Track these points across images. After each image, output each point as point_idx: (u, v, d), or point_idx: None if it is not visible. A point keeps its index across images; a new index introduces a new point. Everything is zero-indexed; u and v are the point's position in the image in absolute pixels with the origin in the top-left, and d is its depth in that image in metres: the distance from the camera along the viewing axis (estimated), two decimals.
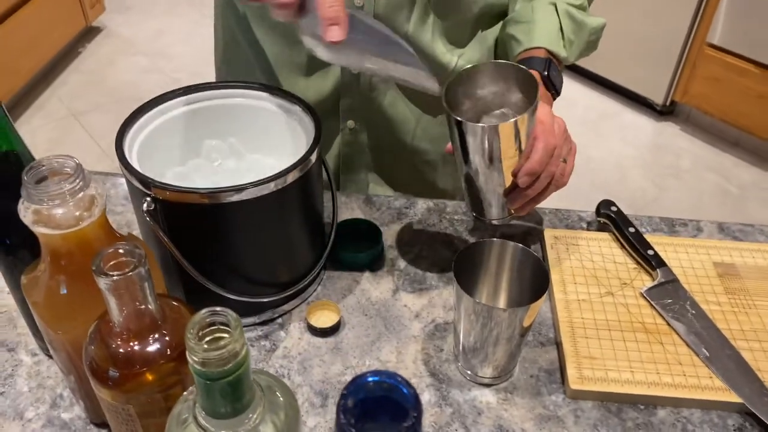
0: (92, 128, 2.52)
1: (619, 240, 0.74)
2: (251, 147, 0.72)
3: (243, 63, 0.85)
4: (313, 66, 0.80)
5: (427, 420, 0.58)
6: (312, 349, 0.64)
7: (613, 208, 0.76)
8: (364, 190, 0.91)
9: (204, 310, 0.32)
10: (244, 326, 0.66)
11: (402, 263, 0.74)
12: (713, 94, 2.47)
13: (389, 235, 0.78)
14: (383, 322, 0.67)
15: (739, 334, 0.65)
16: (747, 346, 0.64)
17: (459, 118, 0.59)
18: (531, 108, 0.58)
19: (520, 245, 0.60)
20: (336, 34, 0.51)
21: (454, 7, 0.76)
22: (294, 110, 0.68)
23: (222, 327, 0.32)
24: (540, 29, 0.76)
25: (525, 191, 0.63)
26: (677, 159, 2.51)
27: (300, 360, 0.63)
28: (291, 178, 0.60)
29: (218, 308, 0.32)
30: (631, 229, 0.73)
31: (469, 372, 0.62)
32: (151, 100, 0.67)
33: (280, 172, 0.59)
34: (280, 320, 0.67)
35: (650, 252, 0.71)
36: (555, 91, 0.74)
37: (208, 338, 0.32)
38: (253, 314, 0.66)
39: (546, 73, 0.72)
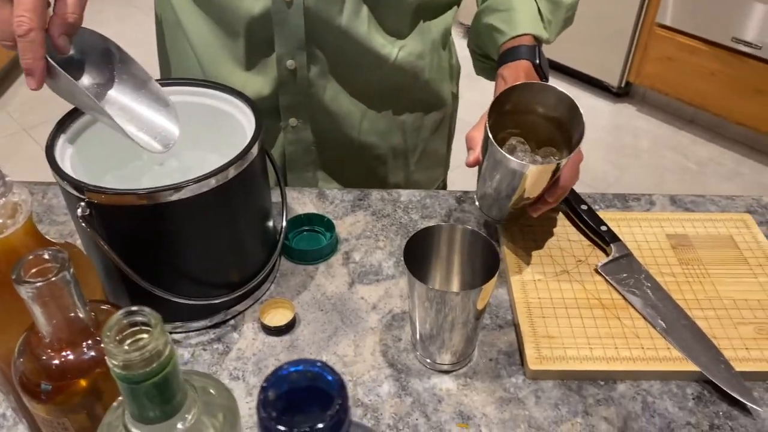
0: (45, 142, 2.45)
1: (572, 218, 0.74)
2: (193, 145, 0.70)
3: (183, 56, 0.83)
4: (252, 60, 0.78)
5: (387, 411, 0.57)
6: (267, 348, 0.63)
7: None
8: (314, 187, 0.89)
9: (120, 312, 0.30)
10: (196, 330, 0.64)
11: (357, 255, 0.73)
12: (666, 74, 2.50)
13: (343, 227, 0.76)
14: (339, 316, 0.66)
15: (694, 304, 0.65)
16: (702, 314, 0.64)
17: (503, 152, 0.61)
18: (573, 154, 0.62)
19: (469, 228, 0.59)
20: (29, 82, 0.53)
21: None
22: (234, 104, 0.66)
23: (144, 327, 0.30)
24: (521, 15, 0.74)
25: (550, 203, 0.66)
26: (636, 139, 2.55)
27: (255, 361, 0.61)
28: (232, 173, 0.58)
29: (134, 308, 0.30)
30: (584, 207, 0.73)
31: (428, 360, 0.61)
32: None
33: (219, 168, 0.57)
34: (233, 321, 0.65)
35: (603, 228, 0.71)
36: (546, 78, 0.73)
37: (129, 341, 0.30)
38: (205, 317, 0.64)
39: (538, 62, 0.72)
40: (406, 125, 0.87)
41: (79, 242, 0.70)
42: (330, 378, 0.24)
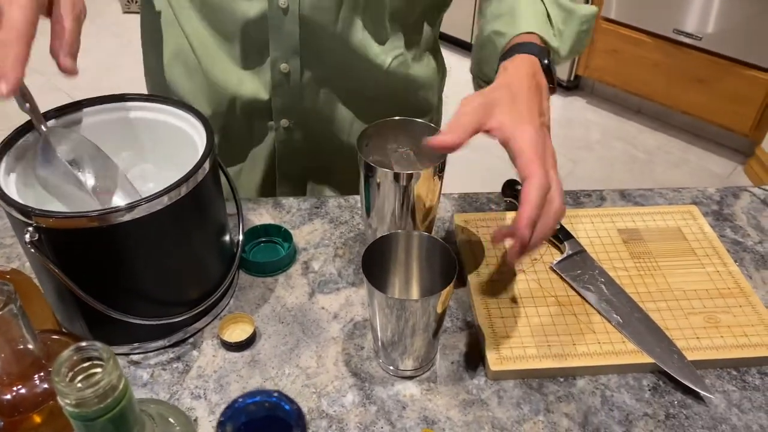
0: None
1: None
2: (148, 160, 0.69)
3: (180, 53, 0.81)
4: (247, 61, 0.78)
5: (352, 421, 0.57)
6: (228, 365, 0.62)
7: (518, 187, 0.76)
8: (302, 189, 0.90)
9: (70, 348, 0.30)
10: (154, 350, 0.63)
11: (316, 265, 0.72)
12: (613, 66, 2.56)
13: (301, 237, 0.76)
14: (301, 327, 0.66)
15: (647, 296, 0.67)
16: (655, 306, 0.66)
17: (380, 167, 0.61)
18: (439, 164, 0.61)
19: (426, 233, 0.60)
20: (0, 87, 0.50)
21: (381, 7, 0.74)
22: (185, 119, 0.65)
23: (96, 362, 0.30)
24: (525, 14, 0.66)
25: (528, 243, 0.53)
26: (586, 131, 2.60)
27: (216, 378, 0.61)
28: (185, 189, 0.57)
29: (84, 343, 0.30)
30: None
31: (391, 367, 0.61)
32: (27, 122, 0.63)
33: (171, 185, 0.56)
34: (192, 339, 0.64)
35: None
36: (553, 84, 0.62)
37: (81, 376, 0.30)
38: (163, 336, 0.63)
39: (546, 61, 0.61)
40: None
41: (27, 265, 0.68)
42: (287, 407, 0.24)
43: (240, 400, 0.24)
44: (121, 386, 0.29)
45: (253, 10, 0.73)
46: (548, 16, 0.68)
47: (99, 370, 0.29)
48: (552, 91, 0.62)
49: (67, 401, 0.28)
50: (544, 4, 0.68)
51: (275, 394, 0.24)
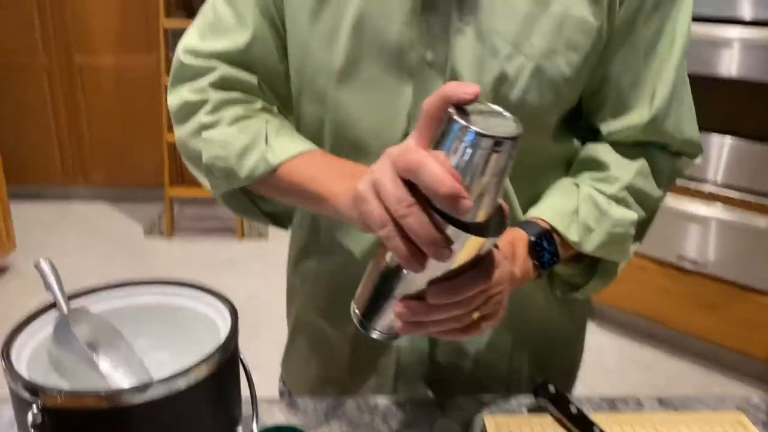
0: None
1: (560, 421, 0.70)
2: (166, 348, 0.67)
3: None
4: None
5: None
6: None
7: (551, 389, 0.72)
8: (424, 392, 0.81)
9: None
10: None
11: None
12: (621, 291, 2.59)
13: None
14: None
15: None
16: None
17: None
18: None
19: None
20: (415, 267, 0.46)
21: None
22: (213, 305, 0.64)
23: None
24: (548, 204, 0.71)
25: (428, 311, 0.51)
26: (600, 355, 2.54)
27: None
28: (201, 374, 0.54)
29: None
30: (573, 409, 0.69)
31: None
32: (51, 303, 0.62)
33: (188, 368, 0.53)
34: None
35: (596, 430, 0.66)
36: (539, 263, 0.67)
37: None
38: None
39: (534, 239, 0.66)
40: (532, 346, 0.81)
41: None
42: None
43: None
44: None
45: None
46: (576, 210, 0.69)
47: None
48: (535, 269, 0.67)
49: None
50: (577, 197, 0.70)
51: None
